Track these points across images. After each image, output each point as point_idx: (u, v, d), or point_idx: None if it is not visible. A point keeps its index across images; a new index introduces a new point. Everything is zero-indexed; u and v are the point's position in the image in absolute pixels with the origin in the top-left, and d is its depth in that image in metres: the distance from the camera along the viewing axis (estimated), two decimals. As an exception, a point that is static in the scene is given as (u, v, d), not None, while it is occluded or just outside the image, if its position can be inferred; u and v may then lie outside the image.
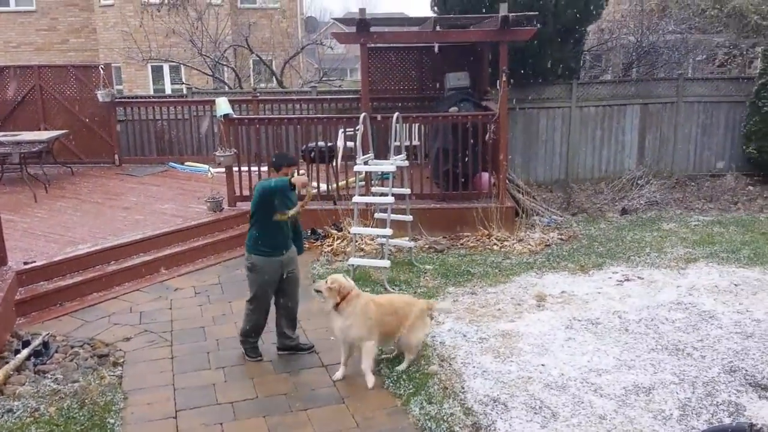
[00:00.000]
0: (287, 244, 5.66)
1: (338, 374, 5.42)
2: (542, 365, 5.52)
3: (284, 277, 5.63)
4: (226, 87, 16.89)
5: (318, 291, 5.47)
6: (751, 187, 12.11)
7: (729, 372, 5.34)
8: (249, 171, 9.45)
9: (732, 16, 15.55)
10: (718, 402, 4.90)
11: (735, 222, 10.05)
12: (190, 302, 7.06)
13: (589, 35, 13.74)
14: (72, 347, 5.90)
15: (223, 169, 9.61)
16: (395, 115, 8.45)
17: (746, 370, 5.34)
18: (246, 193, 9.46)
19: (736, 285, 7.30)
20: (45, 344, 5.79)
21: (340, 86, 18.76)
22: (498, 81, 9.40)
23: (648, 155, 12.83)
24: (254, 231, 5.53)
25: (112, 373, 5.48)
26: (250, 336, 5.77)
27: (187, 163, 12.29)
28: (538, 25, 10.19)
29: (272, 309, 5.81)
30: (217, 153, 9.44)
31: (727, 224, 9.92)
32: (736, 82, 12.94)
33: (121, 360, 5.74)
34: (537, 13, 10.14)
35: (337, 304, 5.34)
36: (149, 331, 6.32)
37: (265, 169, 9.35)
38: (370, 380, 5.28)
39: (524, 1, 10.98)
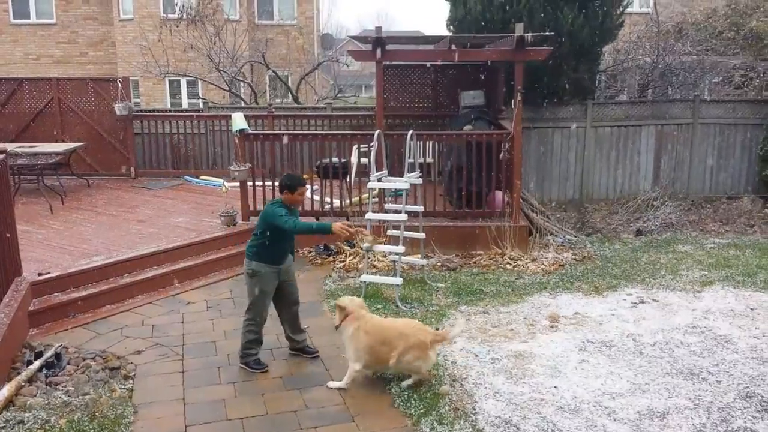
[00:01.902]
0: (288, 256, 5.93)
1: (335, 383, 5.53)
2: (555, 387, 5.46)
3: (283, 285, 5.89)
4: (242, 102, 17.02)
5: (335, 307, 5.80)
6: (767, 211, 11.99)
7: (745, 398, 5.25)
8: (263, 186, 9.49)
9: (749, 38, 15.51)
10: (733, 428, 4.81)
11: (751, 245, 9.94)
12: (202, 316, 7.07)
13: (605, 56, 13.73)
14: (84, 359, 5.91)
15: (238, 184, 9.65)
16: (410, 132, 8.46)
17: (762, 396, 5.25)
18: (260, 207, 9.47)
19: (752, 309, 7.21)
20: (57, 356, 5.81)
21: (354, 103, 18.88)
22: (513, 100, 9.40)
23: (663, 176, 12.77)
24: (260, 241, 5.73)
25: (122, 386, 5.47)
26: (251, 350, 5.87)
27: (202, 177, 12.37)
28: (554, 44, 10.19)
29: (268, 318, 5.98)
30: (231, 167, 9.50)
31: (744, 247, 9.82)
32: (753, 104, 12.88)
33: (132, 373, 5.74)
34: (553, 33, 10.16)
35: (338, 324, 5.64)
36: (161, 345, 6.32)
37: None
38: (333, 384, 5.50)
39: (540, 20, 11.02)
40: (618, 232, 10.90)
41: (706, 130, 12.75)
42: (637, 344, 6.29)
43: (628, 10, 13.02)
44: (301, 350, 6.11)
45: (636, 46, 15.13)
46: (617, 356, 6.07)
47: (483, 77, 12.12)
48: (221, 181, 11.70)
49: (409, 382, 5.44)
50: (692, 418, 4.96)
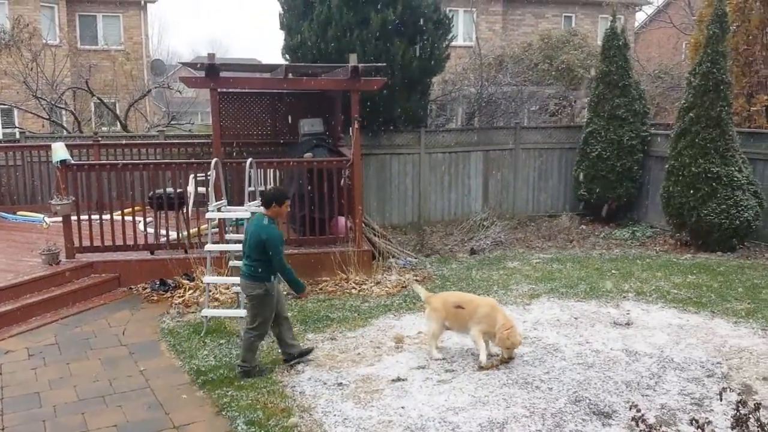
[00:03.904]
0: None
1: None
2: (402, 408, 5.55)
3: (279, 298, 6.32)
4: (65, 131, 15.91)
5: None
6: (584, 226, 13.18)
7: (574, 402, 5.65)
8: (89, 220, 8.87)
9: (561, 69, 17.12)
10: None
11: (571, 259, 10.83)
12: (23, 365, 6.41)
13: (435, 86, 14.46)
14: None
15: (60, 219, 8.94)
16: (249, 160, 8.33)
17: (590, 400, 5.68)
18: (86, 243, 8.86)
19: (576, 318, 7.82)
20: None
21: (190, 130, 18.30)
22: (351, 128, 9.59)
23: (492, 198, 13.62)
24: (264, 262, 6.04)
25: (-75, 454, 4.81)
26: (254, 360, 6.23)
27: (19, 213, 11.33)
28: (387, 74, 10.56)
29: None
30: (53, 201, 8.77)
31: (565, 261, 10.66)
32: (566, 130, 14.16)
33: (-63, 437, 5.06)
34: (385, 64, 10.53)
35: None
36: (-28, 402, 5.64)
37: (107, 217, 8.88)
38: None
39: (373, 52, 11.38)
40: (454, 252, 11.42)
41: (527, 155, 13.80)
42: (476, 358, 6.57)
43: (454, 43, 13.83)
44: (300, 354, 6.44)
45: (462, 77, 16.14)
46: (458, 371, 6.30)
47: (321, 105, 12.26)
48: (42, 216, 10.80)
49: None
50: (529, 426, 5.24)
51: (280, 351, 6.50)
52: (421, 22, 12.11)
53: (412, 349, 6.88)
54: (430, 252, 11.33)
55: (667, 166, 11.33)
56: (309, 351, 6.59)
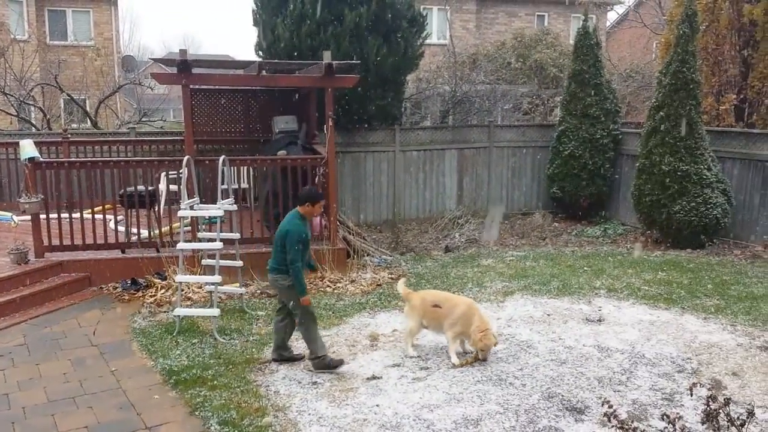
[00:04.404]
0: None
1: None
2: (377, 406, 5.54)
3: None
4: (33, 128, 15.62)
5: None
6: (556, 224, 13.30)
7: (547, 398, 5.70)
8: (59, 218, 8.72)
9: (534, 68, 17.26)
10: (539, 428, 5.19)
11: (544, 256, 10.92)
12: (-10, 367, 6.28)
13: (409, 84, 14.47)
14: None
15: (29, 217, 8.77)
16: (221, 157, 8.26)
17: (562, 395, 5.73)
18: (55, 242, 8.70)
19: (548, 315, 7.89)
20: None
21: (161, 127, 18.07)
22: (325, 125, 9.55)
23: (466, 196, 13.68)
24: (284, 258, 6.06)
25: None
26: (323, 349, 6.20)
27: (-14, 211, 11.10)
28: (361, 72, 10.54)
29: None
30: (21, 199, 8.60)
31: (538, 258, 10.75)
32: (539, 128, 14.29)
33: None
34: (359, 61, 10.51)
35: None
36: (-63, 405, 5.51)
37: (76, 215, 8.74)
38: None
39: (347, 49, 11.35)
40: (429, 250, 11.45)
41: (500, 153, 13.89)
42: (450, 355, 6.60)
43: (428, 41, 13.85)
44: (290, 359, 6.44)
45: (436, 75, 16.18)
46: (433, 368, 6.32)
47: (295, 102, 12.19)
48: (10, 214, 10.59)
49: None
50: (503, 422, 5.27)
51: (271, 349, 6.49)
52: (396, 19, 12.10)
53: (386, 347, 6.88)
54: (405, 250, 11.34)
55: (637, 164, 11.48)
56: (300, 358, 6.49)
